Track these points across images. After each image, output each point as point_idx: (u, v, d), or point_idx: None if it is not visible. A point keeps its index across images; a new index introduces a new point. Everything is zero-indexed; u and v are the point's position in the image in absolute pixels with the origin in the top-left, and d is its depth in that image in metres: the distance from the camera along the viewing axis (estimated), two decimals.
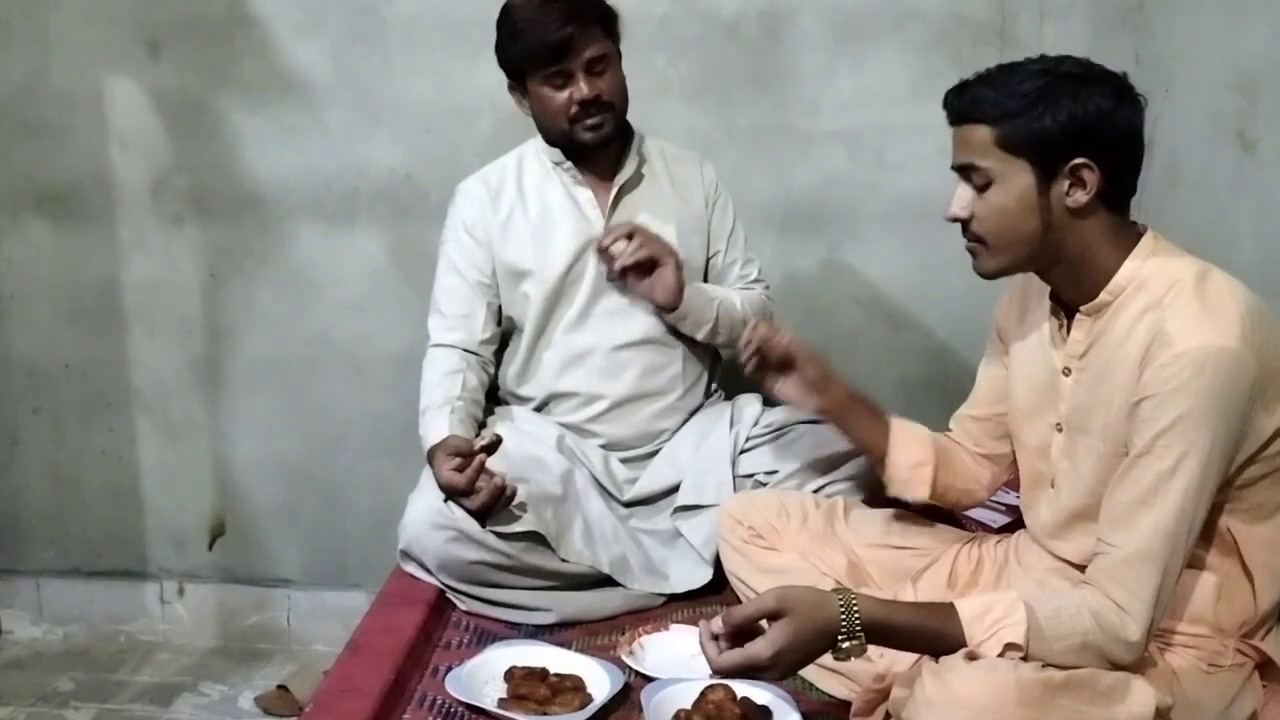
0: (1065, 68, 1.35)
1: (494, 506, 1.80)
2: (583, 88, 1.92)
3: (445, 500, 1.81)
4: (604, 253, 1.98)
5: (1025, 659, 1.26)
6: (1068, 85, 1.33)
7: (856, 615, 1.28)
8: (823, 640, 1.28)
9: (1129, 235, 1.40)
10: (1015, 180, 1.35)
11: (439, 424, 1.92)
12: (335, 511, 2.69)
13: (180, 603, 2.77)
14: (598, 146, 1.99)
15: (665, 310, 2.01)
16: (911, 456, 1.70)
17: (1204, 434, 1.26)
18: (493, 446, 1.83)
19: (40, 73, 2.52)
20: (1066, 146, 1.33)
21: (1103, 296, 1.39)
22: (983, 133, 1.36)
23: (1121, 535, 1.30)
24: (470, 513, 1.80)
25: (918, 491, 1.71)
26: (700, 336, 2.05)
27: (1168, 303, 1.32)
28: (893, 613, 1.32)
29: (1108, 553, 1.31)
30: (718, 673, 1.31)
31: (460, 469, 1.79)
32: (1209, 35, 2.05)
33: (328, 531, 2.70)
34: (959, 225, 1.42)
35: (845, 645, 1.28)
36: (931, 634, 1.30)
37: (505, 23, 1.97)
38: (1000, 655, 1.26)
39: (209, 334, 2.63)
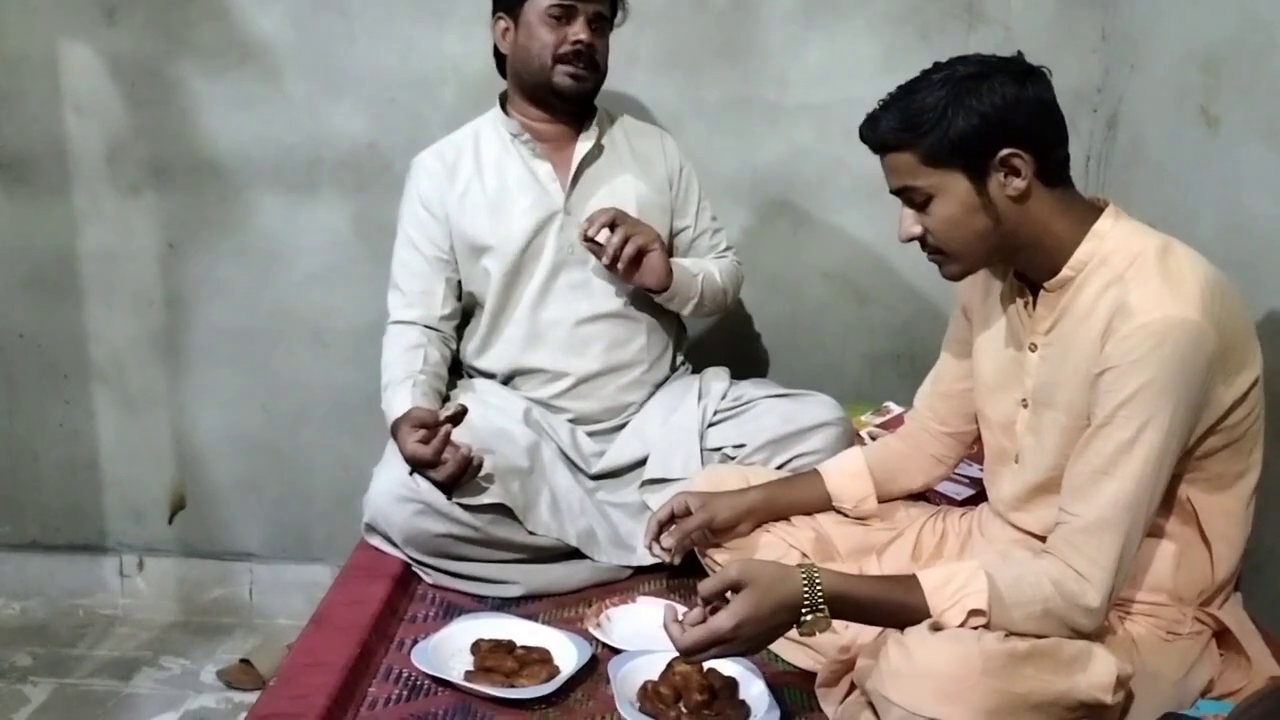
0: (962, 70, 1.36)
1: (460, 478, 1.79)
2: (582, 32, 1.94)
3: (411, 473, 1.80)
4: (590, 242, 1.96)
5: (988, 626, 1.27)
6: (969, 85, 1.34)
7: (820, 588, 1.29)
8: (785, 613, 1.29)
9: (1084, 209, 1.41)
10: (952, 189, 1.37)
11: (402, 397, 1.91)
12: (297, 484, 2.67)
13: (140, 576, 2.74)
14: (568, 99, 1.99)
15: (654, 293, 2.02)
16: (853, 495, 1.74)
17: (1164, 404, 1.28)
18: (458, 417, 1.82)
19: None
20: (988, 143, 1.34)
21: (1065, 272, 1.40)
22: (906, 157, 1.37)
23: (1082, 504, 1.31)
24: (437, 484, 1.79)
25: (871, 514, 1.75)
26: (687, 312, 2.08)
27: (1129, 276, 1.34)
28: (856, 586, 1.33)
29: (1068, 522, 1.33)
30: (684, 652, 1.32)
31: (425, 440, 1.78)
32: (1174, 12, 2.06)
33: (290, 505, 2.68)
34: (917, 242, 1.44)
35: (808, 618, 1.29)
36: (894, 605, 1.31)
37: None
38: (964, 623, 1.28)
39: (168, 305, 2.58)
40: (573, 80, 1.96)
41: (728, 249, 2.19)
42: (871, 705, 1.28)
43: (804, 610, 1.29)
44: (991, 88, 1.33)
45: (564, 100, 2.00)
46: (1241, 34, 1.82)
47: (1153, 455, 1.29)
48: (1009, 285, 1.52)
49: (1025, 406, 1.49)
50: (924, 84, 1.37)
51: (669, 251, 2.11)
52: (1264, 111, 1.75)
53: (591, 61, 1.96)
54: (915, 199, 1.40)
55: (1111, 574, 1.29)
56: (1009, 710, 1.19)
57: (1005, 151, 1.34)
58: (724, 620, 1.28)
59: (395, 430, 1.87)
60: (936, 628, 1.28)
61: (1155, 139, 2.13)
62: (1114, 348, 1.30)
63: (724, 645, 1.30)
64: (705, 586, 1.33)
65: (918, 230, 1.42)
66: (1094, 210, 1.41)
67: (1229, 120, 1.85)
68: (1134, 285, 1.32)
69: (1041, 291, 1.45)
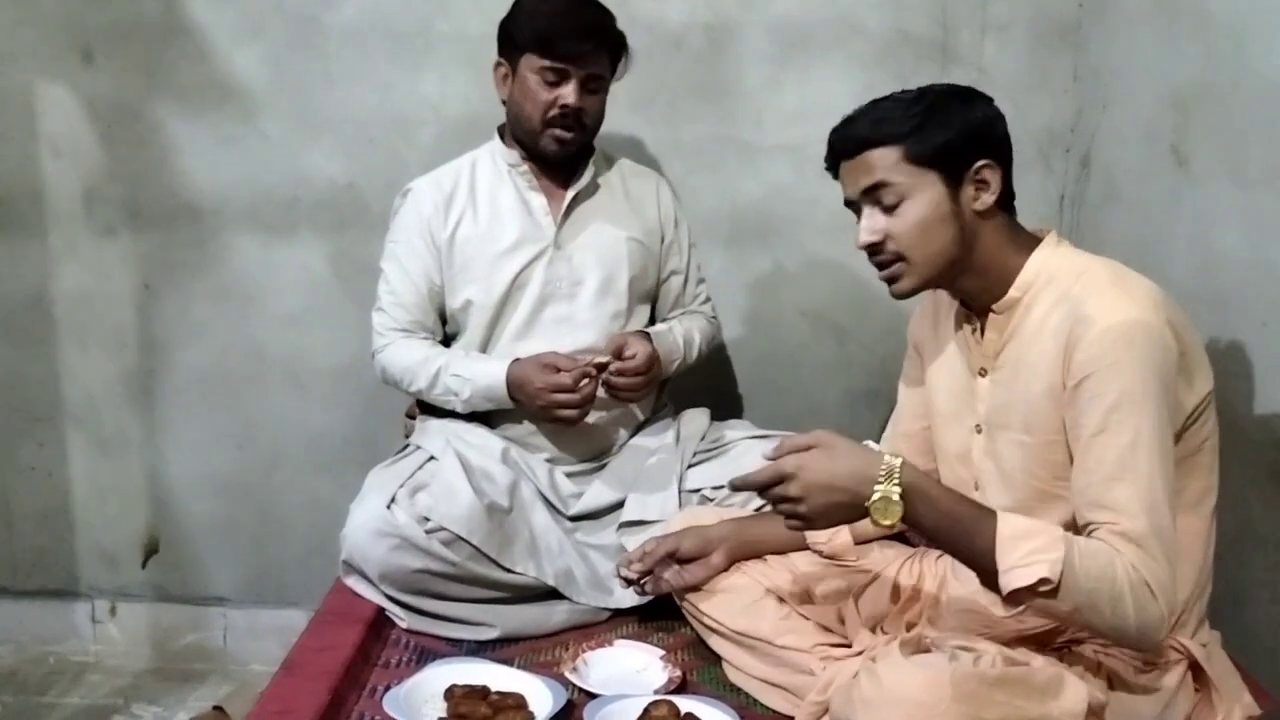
0: (937, 89, 1.43)
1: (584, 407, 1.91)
2: (571, 96, 1.94)
3: (388, 505, 1.80)
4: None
5: (1054, 595, 1.23)
6: (948, 101, 1.41)
7: (899, 473, 1.25)
8: (856, 482, 1.25)
9: (1027, 236, 1.46)
10: (927, 192, 1.39)
11: (483, 362, 1.98)
12: (272, 528, 2.64)
13: (113, 622, 2.70)
14: (554, 160, 2.01)
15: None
16: (824, 531, 1.72)
17: (1148, 402, 1.28)
18: (603, 366, 1.91)
19: None
20: (968, 152, 1.39)
21: (1012, 293, 1.43)
22: (888, 152, 1.39)
23: (1106, 514, 1.28)
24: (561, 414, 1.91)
25: (845, 552, 1.72)
26: (670, 373, 2.10)
27: (1079, 290, 1.36)
28: (934, 487, 1.30)
29: (1099, 528, 1.28)
30: (735, 487, 1.35)
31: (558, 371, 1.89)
32: (1145, 53, 2.09)
33: (265, 549, 2.65)
34: (867, 255, 1.45)
35: (878, 496, 1.24)
36: (965, 527, 1.27)
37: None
38: (1030, 588, 1.23)
39: (143, 346, 2.57)
40: (558, 145, 1.98)
41: (707, 300, 2.23)
42: None
43: (879, 484, 1.24)
44: (969, 103, 1.41)
45: (549, 159, 2.02)
46: (1208, 74, 1.84)
47: (1155, 452, 1.28)
48: (956, 314, 1.54)
49: (979, 432, 1.50)
50: (897, 98, 1.42)
51: (655, 295, 2.16)
52: (1231, 150, 1.77)
53: (579, 123, 1.97)
54: (886, 199, 1.40)
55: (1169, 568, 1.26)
56: None
57: (982, 163, 1.39)
58: (790, 462, 1.24)
59: (514, 376, 1.92)
60: (914, 650, 1.27)
61: (1128, 178, 2.15)
62: (1084, 355, 1.31)
63: (784, 486, 1.24)
64: (780, 447, 1.30)
65: (878, 237, 1.42)
66: (1035, 239, 1.46)
67: (1198, 158, 1.87)
68: (1088, 295, 1.35)
69: (990, 315, 1.46)
